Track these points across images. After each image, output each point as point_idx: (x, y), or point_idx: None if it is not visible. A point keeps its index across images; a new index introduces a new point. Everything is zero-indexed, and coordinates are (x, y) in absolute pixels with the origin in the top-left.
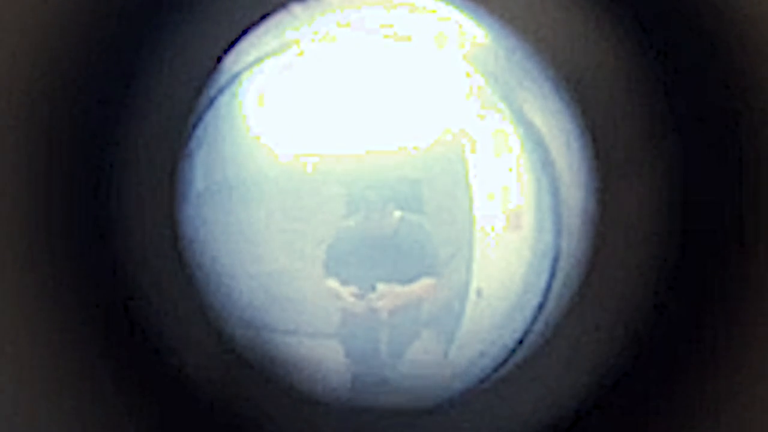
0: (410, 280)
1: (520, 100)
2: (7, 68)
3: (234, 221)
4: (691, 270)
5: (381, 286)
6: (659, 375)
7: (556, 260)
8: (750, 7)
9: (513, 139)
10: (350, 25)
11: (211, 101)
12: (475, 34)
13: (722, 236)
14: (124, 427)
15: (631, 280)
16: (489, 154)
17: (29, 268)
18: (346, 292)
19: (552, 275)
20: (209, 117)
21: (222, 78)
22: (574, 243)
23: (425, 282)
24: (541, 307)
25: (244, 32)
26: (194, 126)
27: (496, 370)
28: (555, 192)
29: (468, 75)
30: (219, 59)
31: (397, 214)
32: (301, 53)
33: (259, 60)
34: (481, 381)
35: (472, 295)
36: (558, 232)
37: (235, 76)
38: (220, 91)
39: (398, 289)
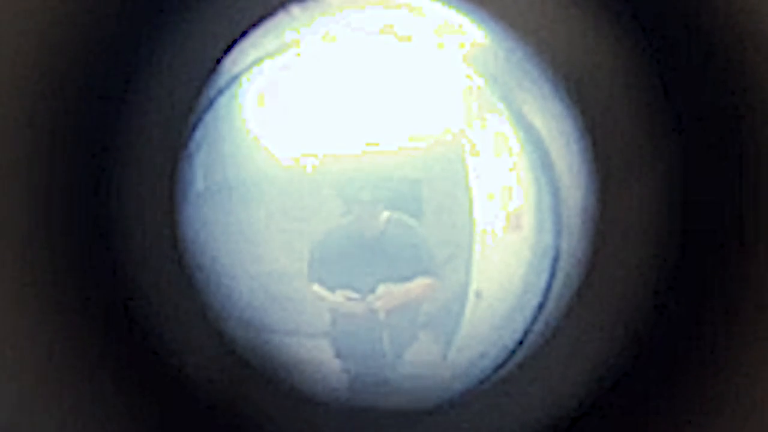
0: (405, 281)
1: (520, 101)
2: (7, 68)
3: (234, 221)
4: (691, 270)
5: (378, 287)
6: (659, 375)
7: (555, 260)
8: (750, 7)
9: (513, 140)
10: (350, 26)
11: (211, 102)
12: (475, 35)
13: (722, 236)
14: (124, 427)
15: (631, 280)
16: (489, 154)
17: (29, 268)
18: (343, 292)
19: (552, 275)
20: (209, 117)
21: (222, 79)
22: (574, 243)
23: (421, 282)
24: (541, 307)
25: (244, 33)
26: (194, 126)
27: (496, 370)
28: (555, 192)
29: (468, 76)
30: (219, 60)
31: (386, 214)
32: (301, 54)
33: (258, 61)
34: (481, 381)
35: (472, 296)
36: (558, 233)
37: (235, 77)
38: (220, 91)
39: (395, 289)
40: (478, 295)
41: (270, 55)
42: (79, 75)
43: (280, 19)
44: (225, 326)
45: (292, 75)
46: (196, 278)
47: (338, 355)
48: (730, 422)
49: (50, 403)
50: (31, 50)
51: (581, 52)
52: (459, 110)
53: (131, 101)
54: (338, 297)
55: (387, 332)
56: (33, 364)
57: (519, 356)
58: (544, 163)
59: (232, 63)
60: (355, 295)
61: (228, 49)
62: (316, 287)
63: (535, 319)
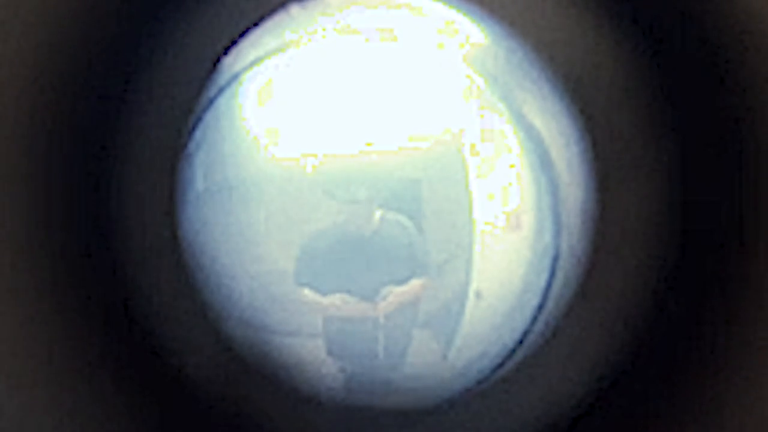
0: (402, 280)
1: (520, 101)
2: (6, 68)
3: (233, 221)
4: (691, 270)
5: (377, 287)
6: (659, 375)
7: (555, 260)
8: (750, 8)
9: (512, 140)
10: (350, 26)
11: (211, 101)
12: (475, 35)
13: (722, 236)
14: (123, 426)
15: (631, 280)
16: (489, 154)
17: (29, 268)
18: (340, 294)
19: (552, 275)
20: (209, 117)
21: (222, 78)
22: (573, 243)
23: (419, 282)
24: (541, 307)
25: (244, 32)
26: (194, 126)
27: (495, 370)
28: (554, 192)
29: (468, 76)
30: (219, 59)
31: (378, 214)
32: (301, 54)
33: (258, 60)
34: (481, 381)
35: (472, 296)
36: (558, 233)
37: (235, 77)
38: (220, 91)
39: (393, 290)
40: (477, 294)
41: (270, 54)
42: (79, 75)
43: (280, 18)
44: (225, 326)
45: (292, 75)
46: (196, 278)
47: (338, 355)
48: (730, 422)
49: (50, 403)
50: (31, 50)
51: (581, 52)
52: (459, 110)
53: (131, 101)
54: (336, 297)
55: (386, 332)
56: (32, 363)
57: (519, 356)
58: (543, 163)
59: (232, 63)
60: (352, 297)
61: (228, 48)
62: (312, 288)
63: (535, 318)
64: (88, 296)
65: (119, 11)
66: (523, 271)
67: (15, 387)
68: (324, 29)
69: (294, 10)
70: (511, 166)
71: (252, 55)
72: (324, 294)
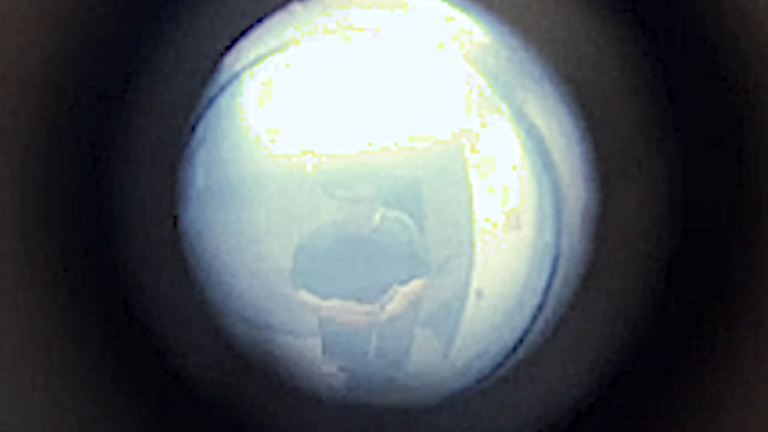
0: (403, 280)
1: (521, 100)
2: (6, 68)
3: (234, 220)
4: (691, 270)
5: (377, 286)
6: (659, 375)
7: (556, 259)
8: (750, 7)
9: (513, 140)
10: (351, 25)
11: (212, 100)
12: (476, 34)
13: (722, 236)
14: (123, 425)
15: (631, 279)
16: (489, 153)
17: (29, 268)
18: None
19: (552, 274)
20: (210, 116)
21: (222, 77)
22: (574, 242)
23: (419, 281)
24: (541, 306)
25: (245, 32)
26: (195, 125)
27: (496, 369)
28: (555, 191)
29: (469, 75)
30: (219, 58)
31: (379, 212)
32: (302, 53)
33: (259, 59)
34: (481, 380)
35: (472, 295)
36: (558, 232)
37: (236, 76)
38: (221, 90)
39: (395, 288)
40: (478, 294)
41: (270, 53)
42: (79, 75)
43: (281, 17)
44: (225, 324)
45: (292, 73)
46: (197, 276)
47: (338, 354)
48: (730, 422)
49: (50, 403)
50: (31, 50)
51: (583, 52)
52: (459, 110)
53: (132, 100)
54: (336, 296)
55: (386, 331)
56: (33, 364)
57: (519, 355)
58: (544, 163)
59: (233, 61)
60: (352, 295)
61: (228, 47)
62: (313, 287)
63: (535, 318)
64: (88, 295)
65: (119, 11)
66: (524, 271)
67: (15, 387)
68: (324, 28)
69: (295, 8)
70: (513, 165)
71: (252, 54)
72: (324, 293)
